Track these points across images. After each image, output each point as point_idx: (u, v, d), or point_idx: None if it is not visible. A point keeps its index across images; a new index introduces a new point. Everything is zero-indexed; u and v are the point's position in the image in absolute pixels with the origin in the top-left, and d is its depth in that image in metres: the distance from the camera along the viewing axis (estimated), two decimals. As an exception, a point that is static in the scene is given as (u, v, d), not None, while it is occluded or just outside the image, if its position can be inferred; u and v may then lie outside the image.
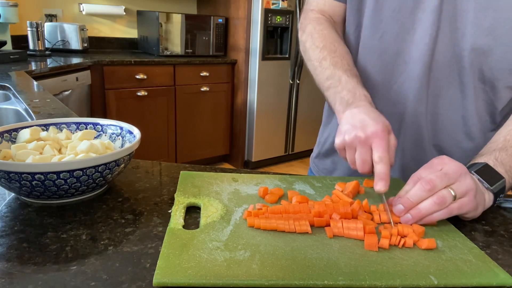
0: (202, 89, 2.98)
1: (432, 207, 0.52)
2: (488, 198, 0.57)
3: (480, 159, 0.61)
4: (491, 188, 0.57)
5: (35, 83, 1.52)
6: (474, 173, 0.57)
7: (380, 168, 0.57)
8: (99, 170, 0.53)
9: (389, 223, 0.54)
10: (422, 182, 0.52)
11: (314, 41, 0.79)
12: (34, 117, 1.00)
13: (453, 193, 0.52)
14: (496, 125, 0.74)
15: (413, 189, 0.53)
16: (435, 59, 0.71)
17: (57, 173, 0.50)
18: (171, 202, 0.58)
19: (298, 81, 3.24)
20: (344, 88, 0.69)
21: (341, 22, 0.85)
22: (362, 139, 0.59)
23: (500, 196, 0.58)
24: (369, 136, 0.59)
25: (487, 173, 0.57)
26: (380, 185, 0.56)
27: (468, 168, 0.59)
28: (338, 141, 0.63)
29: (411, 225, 0.53)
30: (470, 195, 0.53)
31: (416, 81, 0.73)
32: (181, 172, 0.66)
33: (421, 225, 0.53)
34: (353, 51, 0.81)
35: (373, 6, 0.74)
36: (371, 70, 0.78)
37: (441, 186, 0.52)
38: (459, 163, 0.55)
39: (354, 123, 0.61)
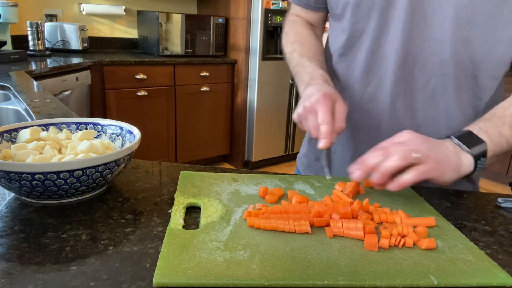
0: (202, 89, 2.98)
1: (396, 162, 0.54)
2: (466, 162, 0.59)
3: (464, 128, 0.63)
4: (469, 150, 0.59)
5: (35, 83, 1.52)
6: (454, 138, 0.60)
7: (322, 128, 0.63)
8: (99, 170, 0.53)
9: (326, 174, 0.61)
10: (376, 148, 0.57)
11: (288, 38, 0.87)
12: (34, 117, 1.00)
13: (414, 155, 0.54)
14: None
15: (367, 154, 0.57)
16: (411, 54, 0.73)
17: (57, 173, 0.50)
18: (171, 202, 0.58)
19: (298, 81, 3.24)
20: (305, 72, 0.76)
21: (320, 26, 0.92)
22: (308, 108, 0.66)
23: (481, 159, 0.59)
24: (313, 104, 0.65)
25: (467, 138, 0.60)
26: (321, 142, 0.63)
27: (448, 136, 0.62)
28: (294, 116, 0.69)
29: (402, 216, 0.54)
30: (432, 159, 0.55)
31: (392, 76, 0.74)
32: (181, 172, 0.66)
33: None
34: (332, 52, 0.84)
35: (352, 9, 0.76)
36: (351, 69, 0.80)
37: (396, 151, 0.55)
38: (423, 136, 0.58)
39: (305, 97, 0.68)
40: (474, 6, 0.67)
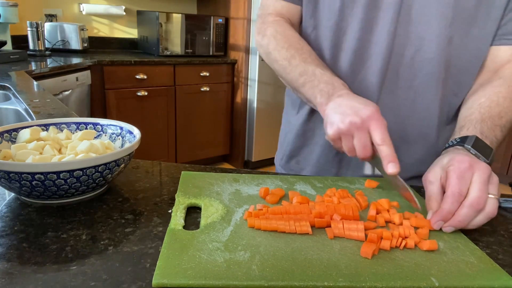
0: (202, 89, 2.98)
1: (482, 221, 0.52)
2: None
3: (467, 132, 0.62)
4: (488, 161, 0.57)
5: (35, 83, 1.52)
6: (471, 148, 0.58)
7: (386, 150, 0.56)
8: (99, 170, 0.53)
9: (416, 205, 0.54)
10: (473, 203, 0.50)
11: (278, 42, 0.78)
12: (34, 117, 1.00)
13: (494, 197, 0.52)
14: (453, 115, 0.78)
15: (462, 211, 0.51)
16: (396, 53, 0.73)
17: (57, 173, 0.50)
18: (171, 202, 0.58)
19: (298, 82, 3.24)
20: (321, 80, 0.68)
21: (298, 23, 0.86)
22: (358, 124, 0.58)
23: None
24: (365, 120, 0.58)
25: (480, 147, 0.58)
26: (391, 167, 0.56)
27: (459, 142, 0.60)
28: (332, 131, 0.62)
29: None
30: (497, 187, 0.53)
31: (377, 75, 0.74)
32: (182, 172, 0.66)
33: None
34: (313, 50, 0.80)
35: (330, 7, 0.74)
36: (335, 67, 0.78)
37: (486, 198, 0.51)
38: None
39: (344, 111, 0.60)
40: (458, 5, 0.68)
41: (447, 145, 0.63)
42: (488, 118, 0.64)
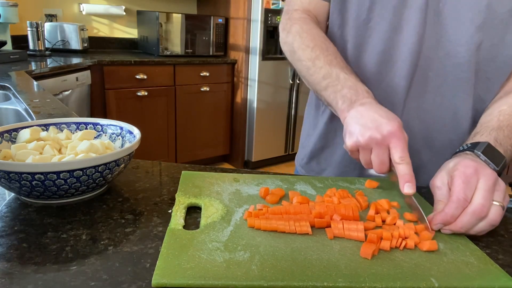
0: (202, 89, 2.98)
1: (485, 228, 0.51)
2: None
3: (481, 138, 0.60)
4: (497, 169, 0.56)
5: (35, 83, 1.52)
6: (481, 154, 0.57)
7: (403, 169, 0.56)
8: (99, 170, 0.53)
9: (428, 228, 0.52)
10: (476, 210, 0.50)
11: (304, 41, 0.75)
12: (34, 117, 1.00)
13: (499, 204, 0.51)
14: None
15: (465, 218, 0.50)
16: (424, 56, 0.71)
17: (57, 173, 0.50)
18: (171, 202, 0.58)
19: (298, 81, 3.24)
20: (344, 85, 0.66)
21: (324, 21, 0.83)
22: (378, 140, 0.57)
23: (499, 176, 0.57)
24: (385, 136, 0.57)
25: (491, 153, 0.57)
26: (408, 188, 0.55)
27: (470, 147, 0.59)
28: (350, 142, 0.60)
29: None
30: (504, 195, 0.53)
31: (405, 78, 0.73)
32: (182, 172, 0.66)
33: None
34: (338, 49, 0.78)
35: (358, 6, 0.73)
36: (360, 68, 0.77)
37: (490, 205, 0.51)
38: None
39: (365, 123, 0.59)
40: (490, 10, 0.66)
41: (457, 150, 0.62)
42: (506, 126, 0.62)
